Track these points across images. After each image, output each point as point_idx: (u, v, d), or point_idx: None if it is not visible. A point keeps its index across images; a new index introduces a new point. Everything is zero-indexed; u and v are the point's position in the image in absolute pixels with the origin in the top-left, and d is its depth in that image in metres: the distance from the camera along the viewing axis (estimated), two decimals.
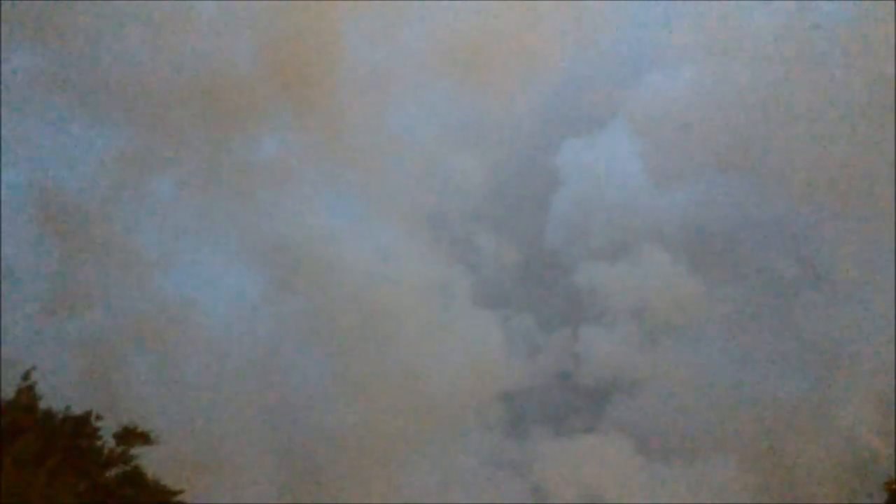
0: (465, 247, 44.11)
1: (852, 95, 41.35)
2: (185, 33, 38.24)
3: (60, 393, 22.95)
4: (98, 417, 22.44)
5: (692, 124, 43.16)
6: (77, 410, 22.31)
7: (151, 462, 22.61)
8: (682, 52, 43.95)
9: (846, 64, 41.81)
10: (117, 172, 37.69)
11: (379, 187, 41.80)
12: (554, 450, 40.59)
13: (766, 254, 43.49)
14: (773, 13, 42.92)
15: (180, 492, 22.65)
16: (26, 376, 22.32)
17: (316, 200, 41.41)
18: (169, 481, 22.65)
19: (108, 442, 22.42)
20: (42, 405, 22.12)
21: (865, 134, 41.23)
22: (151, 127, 38.28)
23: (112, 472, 22.20)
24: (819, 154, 41.65)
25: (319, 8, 39.29)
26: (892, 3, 40.07)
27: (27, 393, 22.20)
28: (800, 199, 42.96)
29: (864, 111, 41.25)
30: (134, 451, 22.44)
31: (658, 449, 40.50)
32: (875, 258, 41.96)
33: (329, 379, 38.68)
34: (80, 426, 22.19)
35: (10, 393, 21.96)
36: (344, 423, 37.32)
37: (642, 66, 44.91)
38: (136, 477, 22.31)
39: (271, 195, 40.21)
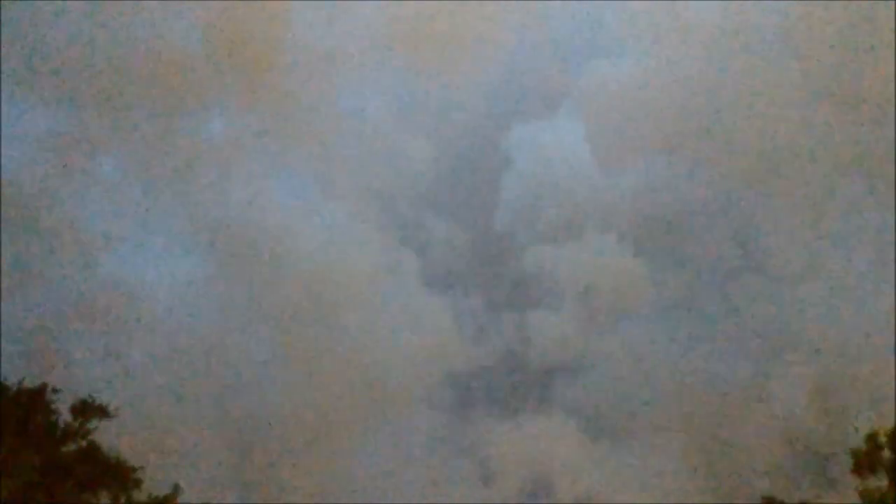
0: (414, 228, 44.15)
1: (795, 80, 41.98)
2: (130, 11, 37.64)
3: (4, 374, 22.43)
4: (54, 391, 21.94)
5: (639, 109, 43.42)
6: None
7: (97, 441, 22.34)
8: (629, 37, 44.21)
9: (789, 48, 42.40)
10: (60, 152, 37.10)
11: (327, 168, 41.71)
12: (501, 431, 40.93)
13: (710, 238, 44.13)
14: None
15: (139, 468, 22.26)
16: None
17: (263, 181, 41.11)
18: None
19: (63, 417, 21.97)
20: None
21: (807, 119, 41.93)
22: (96, 106, 37.68)
23: (69, 448, 21.78)
24: (762, 139, 42.26)
25: None
26: None
27: None
28: (743, 184, 43.57)
29: (805, 96, 41.94)
30: (90, 425, 22.05)
31: (604, 430, 41.04)
32: (816, 243, 42.83)
33: (276, 360, 38.54)
34: (35, 399, 21.67)
35: None
36: (291, 405, 37.26)
37: (591, 51, 45.23)
38: (92, 452, 21.91)
39: (218, 175, 39.91)
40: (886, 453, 22.56)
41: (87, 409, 22.05)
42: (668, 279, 43.21)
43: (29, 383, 21.76)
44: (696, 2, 42.81)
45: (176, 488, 22.51)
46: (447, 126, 44.54)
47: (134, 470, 22.11)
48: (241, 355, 38.04)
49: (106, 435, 22.31)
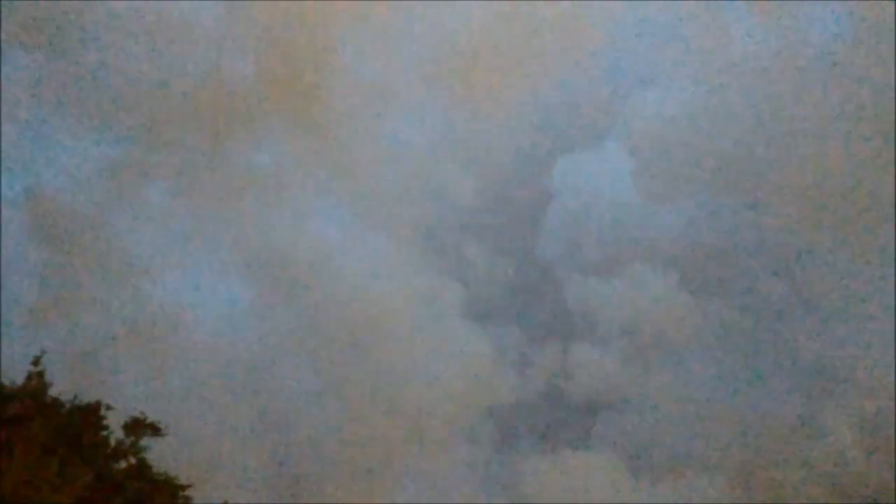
0: (457, 259, 44.24)
1: (845, 117, 41.60)
2: (181, 43, 38.44)
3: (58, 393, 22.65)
4: (108, 408, 22.15)
5: (684, 143, 43.36)
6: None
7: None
8: (676, 72, 44.28)
9: (838, 85, 42.06)
10: (111, 180, 37.87)
11: (372, 199, 41.96)
12: (542, 465, 40.49)
13: (757, 274, 43.68)
14: (766, 34, 43.26)
15: (188, 486, 22.40)
16: (36, 362, 22.00)
17: (309, 211, 41.57)
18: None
19: (115, 434, 22.20)
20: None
21: (857, 156, 41.48)
22: (146, 135, 38.43)
23: (120, 465, 21.96)
24: (810, 175, 41.88)
25: (316, 20, 39.58)
26: (887, 24, 40.34)
27: (37, 379, 21.86)
28: (790, 220, 43.12)
29: (856, 133, 41.51)
30: (141, 443, 22.25)
31: (646, 467, 40.44)
32: (865, 280, 42.13)
33: (318, 388, 38.64)
34: (89, 416, 21.90)
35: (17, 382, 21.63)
36: (332, 433, 37.28)
37: (636, 85, 45.27)
38: (143, 470, 22.10)
39: (264, 205, 40.36)
40: None
41: (139, 427, 22.26)
42: (715, 315, 42.72)
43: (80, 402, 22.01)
44: (745, 36, 42.76)
45: None
46: (492, 158, 44.66)
47: (183, 488, 22.26)
48: (283, 382, 38.21)
49: (151, 455, 22.48)
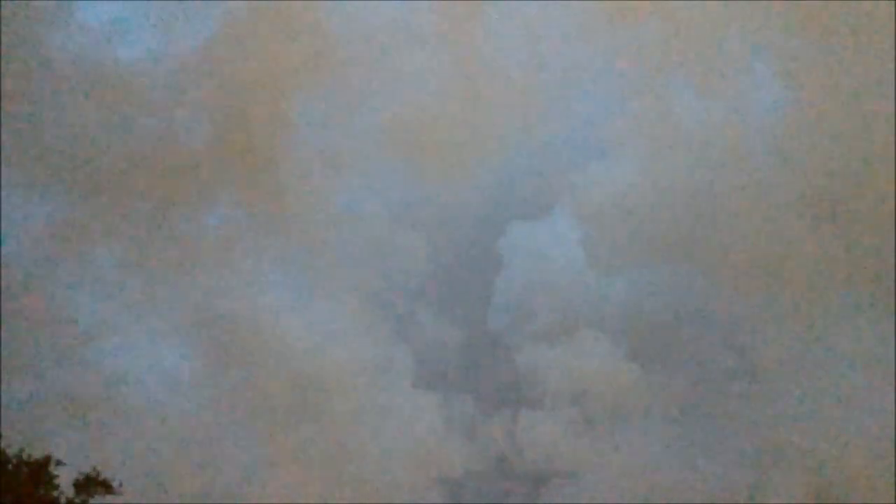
0: (407, 326, 43.97)
1: (789, 189, 42.66)
2: (134, 103, 38.33)
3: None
4: (59, 463, 21.06)
5: (632, 213, 43.98)
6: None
7: None
8: (623, 144, 45.06)
9: (780, 157, 43.25)
10: (56, 241, 37.22)
11: (322, 265, 41.75)
12: None
13: (705, 343, 44.10)
14: (709, 108, 44.40)
15: None
16: None
17: (258, 276, 41.11)
18: None
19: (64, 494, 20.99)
20: None
21: (801, 227, 42.46)
22: (93, 197, 37.98)
23: None
24: (756, 246, 42.70)
25: (272, 86, 39.79)
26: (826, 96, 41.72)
27: None
28: (738, 291, 43.77)
29: (800, 205, 42.56)
30: (93, 501, 21.08)
31: None
32: (814, 350, 42.77)
33: (264, 457, 37.84)
34: (37, 472, 20.71)
35: None
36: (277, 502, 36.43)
37: (586, 155, 45.91)
38: None
39: (212, 270, 39.89)
40: None
41: (91, 484, 21.09)
42: (663, 384, 42.94)
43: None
44: (692, 109, 43.80)
45: None
46: (442, 225, 44.93)
47: None
48: (229, 450, 37.36)
49: None
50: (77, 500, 21.00)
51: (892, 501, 37.53)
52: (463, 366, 44.55)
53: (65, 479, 21.31)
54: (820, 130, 42.23)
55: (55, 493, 20.82)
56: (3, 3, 35.51)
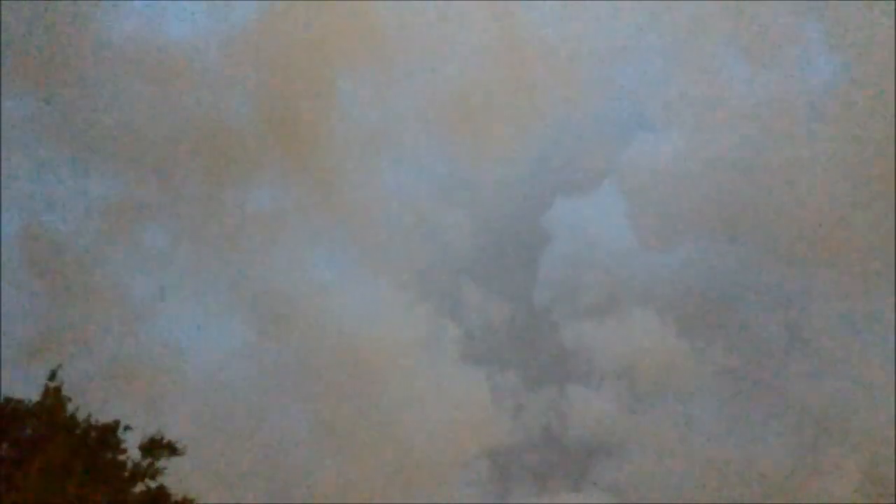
0: (454, 303, 44.27)
1: (839, 161, 41.93)
2: (183, 85, 38.93)
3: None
4: (127, 428, 21.25)
5: (681, 187, 43.63)
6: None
7: None
8: (671, 117, 44.70)
9: (832, 129, 42.48)
10: (110, 220, 38.07)
11: (369, 242, 42.15)
12: None
13: (754, 317, 43.70)
14: (760, 78, 43.78)
15: None
16: (52, 376, 20.92)
17: (306, 254, 41.70)
18: None
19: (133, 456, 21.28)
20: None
21: (853, 198, 41.73)
22: (146, 176, 38.77)
23: (138, 488, 20.91)
24: (805, 219, 42.08)
25: (315, 63, 40.11)
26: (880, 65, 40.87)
27: (55, 394, 20.82)
28: (788, 264, 43.25)
29: (853, 174, 41.79)
30: (159, 464, 21.30)
31: None
32: (864, 322, 42.15)
33: (313, 431, 38.49)
34: (106, 436, 20.95)
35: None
36: (327, 476, 37.02)
37: (632, 129, 45.66)
38: (161, 495, 21.08)
39: (262, 247, 40.52)
40: None
41: (157, 447, 21.37)
42: (711, 358, 42.64)
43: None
44: (741, 80, 43.25)
45: None
46: (488, 201, 45.05)
47: None
48: (280, 423, 38.05)
49: None
50: (144, 463, 21.15)
51: None
52: (509, 341, 44.72)
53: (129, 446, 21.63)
54: (873, 101, 41.39)
55: (122, 457, 20.98)
56: None
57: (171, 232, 39.47)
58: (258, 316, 40.16)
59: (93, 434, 20.80)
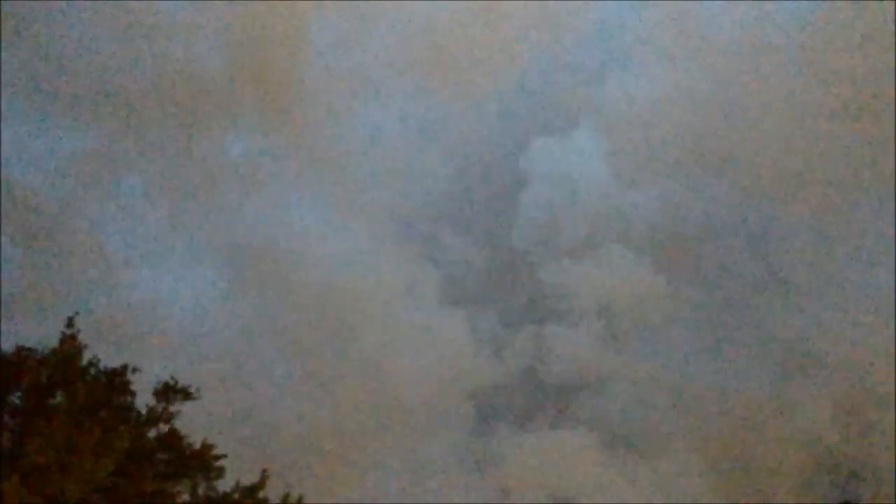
0: (432, 246, 44.28)
1: (820, 98, 41.82)
2: (151, 34, 38.40)
3: None
4: (135, 370, 20.71)
5: (658, 125, 43.45)
6: None
7: None
8: (648, 54, 44.33)
9: (809, 64, 42.30)
10: (82, 172, 37.86)
11: (345, 188, 42.04)
12: (520, 447, 40.76)
13: (730, 253, 44.01)
14: (737, 14, 43.34)
15: (223, 456, 20.70)
16: (70, 324, 20.50)
17: (283, 200, 41.66)
18: None
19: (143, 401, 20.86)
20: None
21: (833, 136, 41.74)
22: (118, 127, 38.40)
23: (151, 433, 20.51)
24: (785, 156, 42.14)
25: (286, 11, 39.55)
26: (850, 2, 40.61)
27: (71, 341, 20.42)
28: (763, 199, 43.48)
29: (828, 113, 41.75)
30: (173, 408, 20.83)
31: (623, 445, 40.84)
32: (841, 259, 42.55)
33: (294, 378, 38.83)
34: (116, 379, 20.46)
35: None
36: (309, 422, 37.46)
37: (609, 67, 45.27)
38: (174, 440, 20.56)
39: (237, 196, 40.46)
40: None
41: (170, 391, 20.95)
42: (688, 295, 43.08)
43: None
44: (715, 14, 42.80)
45: (264, 474, 21.12)
46: (465, 144, 44.84)
47: (218, 458, 20.76)
48: (259, 372, 38.38)
49: None
50: (159, 407, 20.87)
51: None
52: (489, 283, 44.96)
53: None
54: (848, 35, 41.15)
55: (131, 399, 20.67)
56: None
57: (145, 183, 39.39)
58: (235, 265, 40.33)
59: (102, 379, 20.45)
